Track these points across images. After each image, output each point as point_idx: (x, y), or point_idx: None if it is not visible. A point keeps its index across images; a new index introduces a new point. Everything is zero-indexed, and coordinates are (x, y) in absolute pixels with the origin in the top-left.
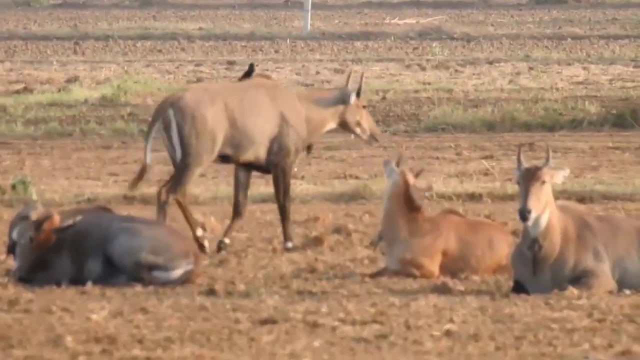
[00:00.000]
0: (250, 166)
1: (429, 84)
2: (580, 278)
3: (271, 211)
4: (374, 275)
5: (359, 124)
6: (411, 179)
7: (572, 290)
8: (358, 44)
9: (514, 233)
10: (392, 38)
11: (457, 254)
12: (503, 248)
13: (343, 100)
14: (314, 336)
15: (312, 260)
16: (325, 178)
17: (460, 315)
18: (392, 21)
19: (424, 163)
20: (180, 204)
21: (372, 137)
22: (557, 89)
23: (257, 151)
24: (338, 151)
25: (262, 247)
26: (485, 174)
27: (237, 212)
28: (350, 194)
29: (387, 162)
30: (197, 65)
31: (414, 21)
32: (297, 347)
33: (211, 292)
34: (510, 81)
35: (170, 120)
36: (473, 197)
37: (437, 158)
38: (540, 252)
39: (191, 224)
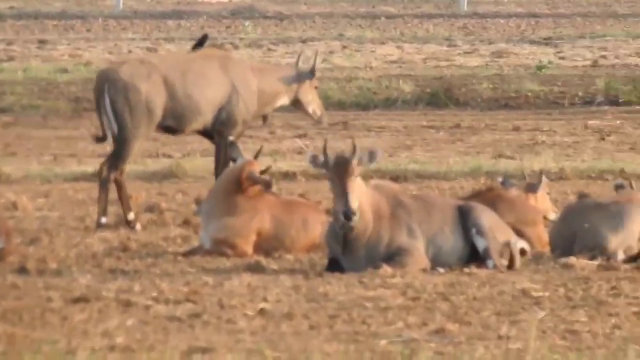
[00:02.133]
0: (201, 134)
1: None
2: (394, 256)
3: (83, 190)
4: (187, 254)
5: (311, 103)
6: (252, 169)
7: (386, 269)
8: (170, 22)
9: (328, 212)
10: (205, 17)
11: (271, 234)
12: (317, 227)
13: (298, 78)
14: (126, 315)
15: (124, 238)
16: (137, 156)
17: (274, 294)
18: (205, 0)
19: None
20: (117, 182)
21: (321, 118)
22: (371, 68)
23: (205, 120)
24: None
25: (74, 225)
26: (299, 153)
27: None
28: (163, 173)
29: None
30: (9, 44)
31: (227, 0)
32: (110, 325)
33: (23, 270)
34: (324, 60)
35: (104, 93)
36: (287, 175)
37: (251, 137)
38: (352, 232)
39: (124, 204)
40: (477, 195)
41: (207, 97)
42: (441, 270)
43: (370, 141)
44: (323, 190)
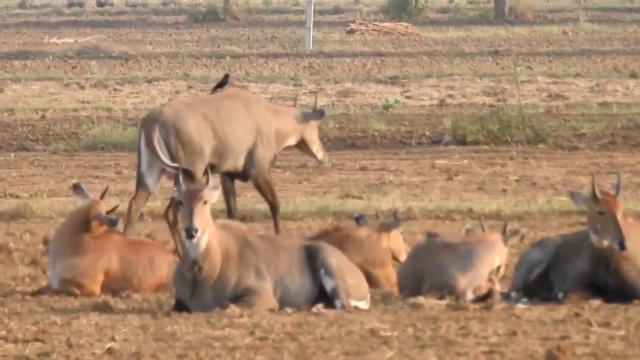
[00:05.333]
0: (230, 175)
1: (88, 102)
2: (242, 296)
3: None
4: (35, 294)
5: (314, 143)
6: (98, 208)
7: (234, 309)
8: (17, 62)
9: (175, 252)
10: (51, 57)
11: (118, 273)
12: (164, 267)
13: (306, 118)
14: None
15: None
16: None
17: (122, 334)
18: (51, 40)
19: (85, 182)
20: (168, 223)
21: (324, 157)
22: None
23: (236, 160)
24: None
25: None
26: None
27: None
28: (10, 213)
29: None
30: None
31: (73, 40)
32: None
33: None
34: (170, 99)
35: (156, 136)
36: None
37: (97, 177)
38: (200, 273)
39: (177, 243)
40: (325, 235)
41: (238, 136)
42: (289, 310)
43: (216, 181)
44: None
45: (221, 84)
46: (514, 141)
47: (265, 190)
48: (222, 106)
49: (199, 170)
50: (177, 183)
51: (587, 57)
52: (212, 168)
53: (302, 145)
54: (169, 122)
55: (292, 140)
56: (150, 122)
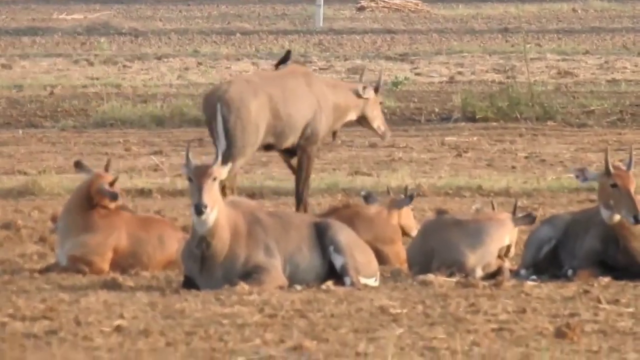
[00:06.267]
0: (286, 151)
1: (97, 79)
2: (251, 274)
3: None
4: (43, 271)
5: (376, 118)
6: (101, 182)
7: (243, 286)
8: (25, 39)
9: (184, 229)
10: (60, 33)
11: (127, 251)
12: (173, 244)
13: (365, 93)
14: None
15: None
16: None
17: (131, 311)
18: (60, 16)
19: (93, 159)
20: None
21: (385, 133)
22: None
23: (295, 137)
24: (6, 147)
25: None
26: (155, 170)
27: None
28: (19, 190)
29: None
30: None
31: (82, 16)
32: None
33: None
34: (179, 76)
35: (216, 113)
36: (143, 192)
37: (106, 154)
38: (208, 250)
39: None
40: (334, 212)
41: (301, 114)
42: (298, 287)
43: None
44: (179, 207)
45: (284, 60)
46: (523, 118)
47: (305, 166)
48: (287, 85)
49: (248, 152)
50: (186, 159)
51: (596, 35)
52: (268, 147)
53: (363, 120)
54: (233, 101)
55: (352, 116)
56: (214, 100)
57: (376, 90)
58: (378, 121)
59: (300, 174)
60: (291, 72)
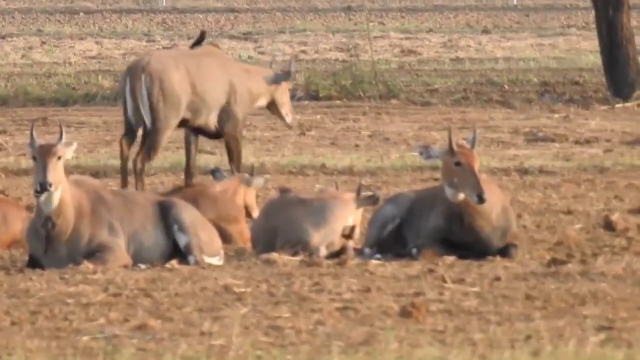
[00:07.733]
0: (199, 131)
1: None
2: (95, 253)
3: None
4: None
5: (284, 105)
6: None
7: (87, 265)
8: None
9: (29, 208)
10: None
11: None
12: (17, 223)
13: (277, 79)
14: None
15: None
16: None
17: None
18: None
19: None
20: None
21: (292, 120)
22: (70, 64)
23: (208, 117)
24: None
25: None
26: None
27: (188, 174)
28: None
29: None
30: None
31: None
32: None
33: None
34: (23, 56)
35: (140, 85)
36: None
37: None
38: (53, 229)
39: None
40: (178, 191)
41: (216, 92)
42: (143, 266)
43: (69, 137)
44: (23, 187)
45: (199, 41)
46: (367, 96)
47: (234, 149)
48: (202, 63)
49: (172, 123)
50: (31, 138)
51: (439, 13)
52: (184, 122)
53: (272, 106)
54: (155, 72)
55: (263, 101)
56: (136, 70)
57: (289, 75)
58: (286, 108)
59: (232, 156)
60: (207, 52)
